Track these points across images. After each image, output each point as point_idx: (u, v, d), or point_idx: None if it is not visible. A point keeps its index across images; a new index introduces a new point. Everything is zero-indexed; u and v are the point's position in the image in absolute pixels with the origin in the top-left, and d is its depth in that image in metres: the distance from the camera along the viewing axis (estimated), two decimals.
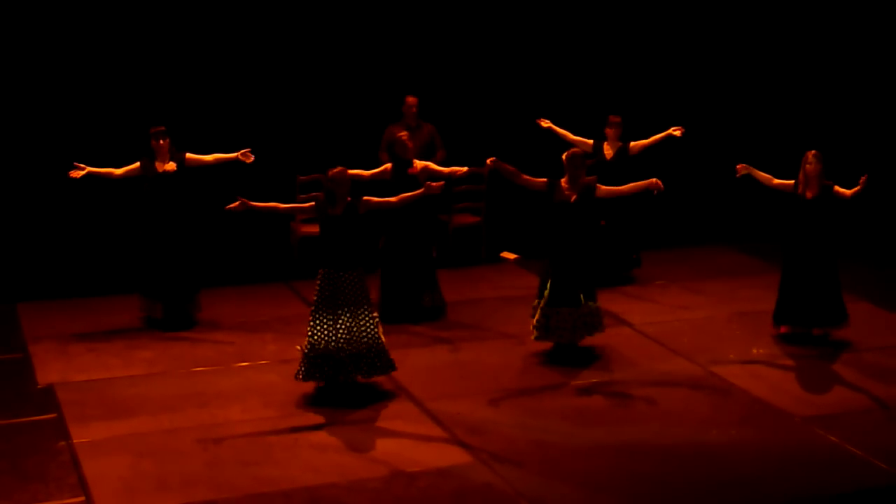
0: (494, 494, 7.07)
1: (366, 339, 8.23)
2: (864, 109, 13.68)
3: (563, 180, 8.94)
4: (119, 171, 9.59)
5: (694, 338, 9.73)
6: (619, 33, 13.07)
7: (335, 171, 8.38)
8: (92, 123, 11.34)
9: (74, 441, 7.65)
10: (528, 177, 8.99)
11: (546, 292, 8.93)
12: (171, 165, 9.57)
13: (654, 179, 8.90)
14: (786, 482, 7.27)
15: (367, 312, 8.29)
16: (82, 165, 9.48)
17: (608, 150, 11.00)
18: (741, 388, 8.68)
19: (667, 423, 8.10)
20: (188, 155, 9.65)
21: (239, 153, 9.68)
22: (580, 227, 8.95)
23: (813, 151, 9.29)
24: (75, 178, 9.49)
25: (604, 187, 9.01)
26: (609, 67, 13.05)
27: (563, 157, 8.99)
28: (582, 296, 8.91)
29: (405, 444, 7.72)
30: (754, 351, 9.49)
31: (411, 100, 11.27)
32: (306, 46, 11.96)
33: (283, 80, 11.94)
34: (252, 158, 9.70)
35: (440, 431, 7.90)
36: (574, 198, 8.87)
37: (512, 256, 12.12)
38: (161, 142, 9.53)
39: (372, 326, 8.28)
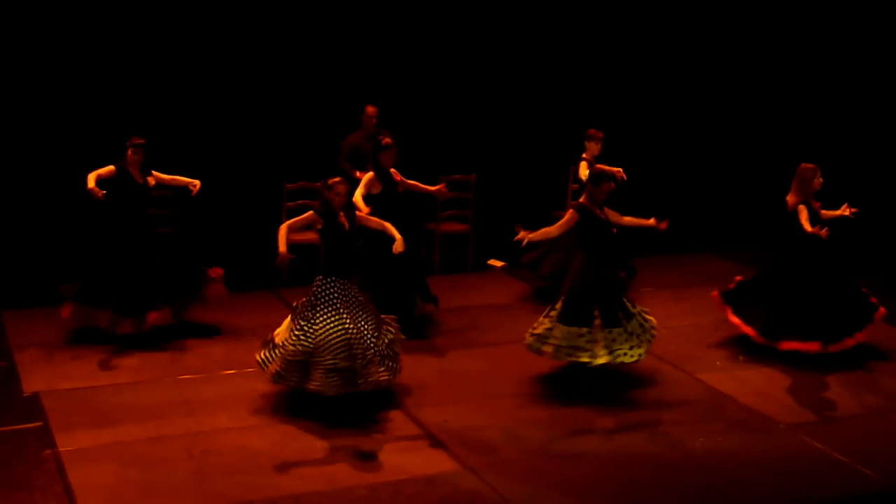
0: (481, 502, 7.07)
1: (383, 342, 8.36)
2: (850, 122, 13.75)
3: (583, 201, 8.78)
4: (94, 174, 9.30)
5: (680, 345, 9.75)
6: (598, 40, 13.09)
7: (337, 181, 8.31)
8: (80, 131, 11.31)
9: (60, 449, 7.62)
10: (557, 225, 8.75)
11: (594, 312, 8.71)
12: (151, 179, 9.55)
13: (654, 222, 8.91)
14: (771, 489, 7.28)
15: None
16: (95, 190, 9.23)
17: (584, 171, 10.55)
18: (727, 396, 8.70)
19: (653, 430, 8.11)
20: (155, 173, 9.61)
21: (189, 182, 9.70)
22: (614, 246, 8.87)
23: (816, 167, 9.29)
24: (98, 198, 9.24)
25: (609, 211, 8.83)
26: (587, 75, 13.07)
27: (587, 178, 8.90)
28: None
29: (392, 451, 7.72)
30: (740, 358, 9.51)
31: (371, 109, 11.20)
32: (293, 54, 11.96)
33: (270, 88, 11.94)
34: (196, 190, 9.72)
35: (427, 439, 7.90)
36: (604, 217, 8.77)
37: (499, 264, 12.13)
38: (140, 155, 9.44)
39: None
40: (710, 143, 13.58)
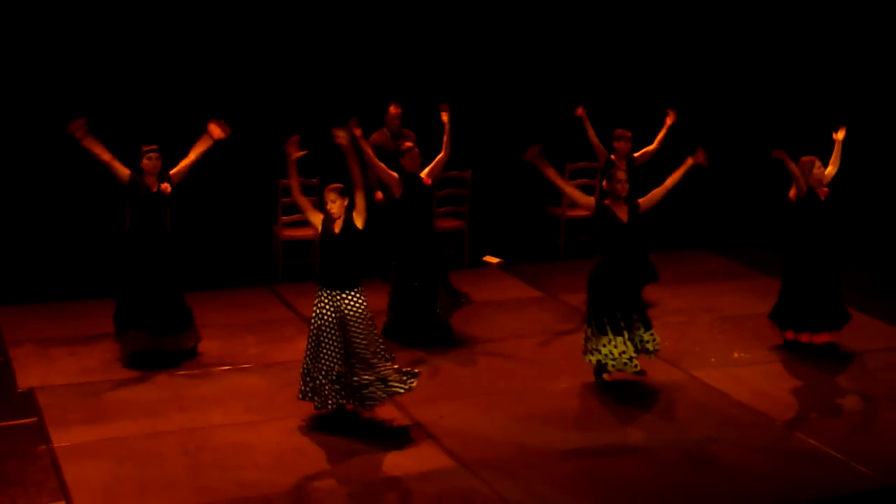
0: (476, 498, 7.07)
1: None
2: (846, 119, 13.74)
3: (607, 202, 8.55)
4: (108, 156, 8.76)
5: (675, 342, 9.75)
6: (595, 37, 13.07)
7: (330, 189, 7.94)
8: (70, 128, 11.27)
9: (55, 445, 7.62)
10: (571, 188, 8.69)
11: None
12: (166, 185, 8.94)
13: (690, 159, 8.64)
14: (767, 486, 7.29)
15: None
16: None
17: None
18: (722, 392, 8.71)
19: (648, 427, 8.12)
20: (173, 172, 9.00)
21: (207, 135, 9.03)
22: (636, 249, 8.65)
23: (814, 158, 9.27)
24: (77, 134, 8.61)
25: (643, 199, 8.56)
26: (584, 72, 13.05)
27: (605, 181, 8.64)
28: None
29: (387, 447, 7.71)
30: (735, 355, 9.52)
31: (394, 109, 11.14)
32: (290, 50, 11.95)
33: (265, 84, 11.93)
34: (219, 131, 9.02)
35: (422, 435, 7.90)
36: (627, 219, 8.48)
37: (495, 260, 12.14)
38: (155, 161, 8.90)
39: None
40: (705, 140, 13.54)
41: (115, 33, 11.33)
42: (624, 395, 8.65)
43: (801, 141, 12.36)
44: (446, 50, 12.50)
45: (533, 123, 12.92)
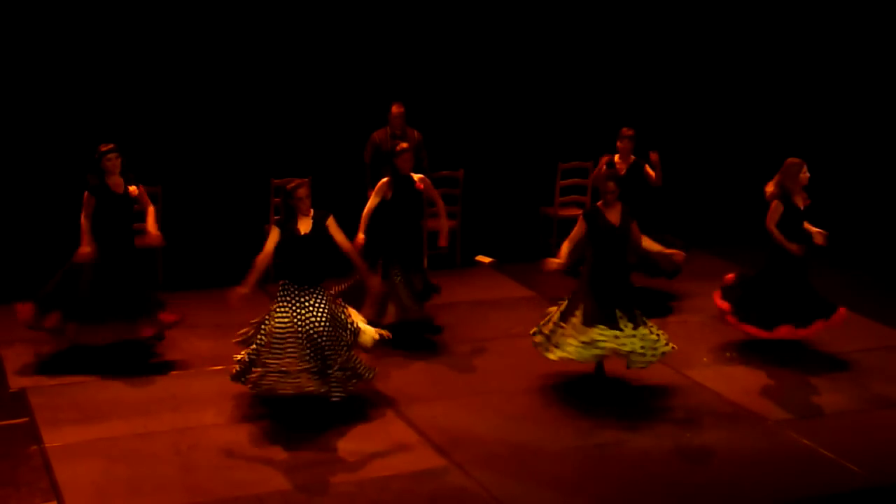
0: (469, 498, 7.07)
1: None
2: (836, 120, 13.79)
3: (599, 204, 8.60)
4: (86, 221, 8.86)
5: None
6: (587, 37, 13.07)
7: (296, 184, 8.16)
8: (61, 127, 11.25)
9: (46, 445, 7.61)
10: (570, 237, 8.71)
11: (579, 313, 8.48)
12: (134, 188, 8.95)
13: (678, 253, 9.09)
14: (758, 485, 7.31)
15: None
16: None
17: (620, 166, 10.56)
18: (714, 392, 8.73)
19: (640, 426, 8.13)
20: (142, 187, 9.08)
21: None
22: (625, 252, 8.64)
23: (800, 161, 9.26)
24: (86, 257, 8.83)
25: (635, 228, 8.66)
26: (576, 71, 13.05)
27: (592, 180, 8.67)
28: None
29: (379, 447, 7.72)
30: (727, 354, 9.54)
31: (396, 109, 11.09)
32: (279, 49, 11.92)
33: (257, 83, 11.91)
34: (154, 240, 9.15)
35: (414, 435, 7.90)
36: (619, 223, 8.51)
37: (487, 260, 12.14)
38: (115, 160, 8.84)
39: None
40: (697, 140, 13.59)
41: (111, 33, 11.28)
42: (616, 394, 8.67)
43: (790, 138, 12.44)
44: (440, 50, 12.49)
45: (525, 123, 12.94)
